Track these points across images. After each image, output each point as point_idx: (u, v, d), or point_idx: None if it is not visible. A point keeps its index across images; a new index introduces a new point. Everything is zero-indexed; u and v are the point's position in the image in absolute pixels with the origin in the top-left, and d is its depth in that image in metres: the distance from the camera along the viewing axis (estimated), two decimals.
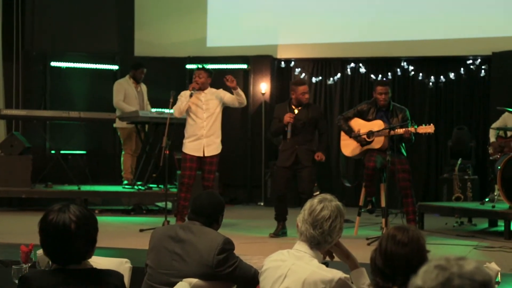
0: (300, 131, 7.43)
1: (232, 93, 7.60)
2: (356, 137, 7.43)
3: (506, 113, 8.44)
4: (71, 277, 2.58)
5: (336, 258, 3.29)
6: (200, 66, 7.74)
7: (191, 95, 7.48)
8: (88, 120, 9.77)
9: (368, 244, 6.68)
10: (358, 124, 7.47)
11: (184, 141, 7.64)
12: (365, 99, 9.44)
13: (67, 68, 11.06)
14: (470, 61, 10.44)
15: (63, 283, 2.56)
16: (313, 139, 7.57)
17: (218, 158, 7.69)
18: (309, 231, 3.03)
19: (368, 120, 7.44)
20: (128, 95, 9.82)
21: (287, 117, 7.39)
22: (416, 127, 7.11)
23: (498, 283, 3.36)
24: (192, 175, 7.53)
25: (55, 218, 2.57)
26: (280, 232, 7.41)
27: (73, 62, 11.10)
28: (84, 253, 2.63)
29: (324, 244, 3.07)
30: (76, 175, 9.64)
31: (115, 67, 11.32)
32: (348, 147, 7.60)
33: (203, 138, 7.54)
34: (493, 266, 3.35)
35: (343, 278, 2.93)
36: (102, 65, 11.30)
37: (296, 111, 7.47)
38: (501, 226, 7.93)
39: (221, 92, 7.63)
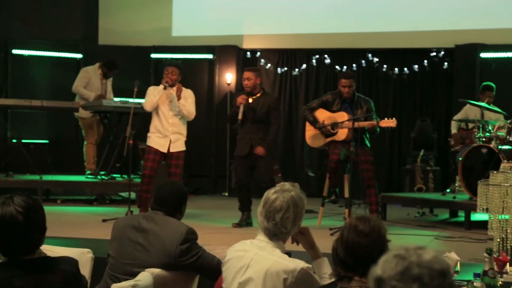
0: (254, 120, 7.41)
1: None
2: (321, 128, 7.47)
3: (468, 105, 8.55)
4: (25, 267, 2.55)
5: (300, 247, 3.30)
6: (173, 62, 7.66)
7: (165, 88, 7.40)
8: (50, 109, 9.64)
9: (331, 234, 6.72)
10: (323, 115, 7.50)
11: (149, 134, 7.57)
12: (329, 90, 9.48)
13: (30, 56, 10.90)
14: (434, 54, 10.54)
15: (17, 275, 2.53)
16: (268, 128, 7.54)
17: (184, 154, 7.65)
18: (264, 223, 3.04)
19: (333, 111, 7.47)
20: (92, 85, 9.71)
21: (239, 99, 7.39)
22: (378, 120, 7.16)
23: (457, 272, 3.40)
24: (154, 167, 7.47)
25: (0, 213, 2.52)
26: (243, 223, 7.41)
27: (36, 50, 10.94)
28: (37, 242, 2.60)
29: (281, 235, 3.07)
30: (38, 164, 9.52)
31: (79, 56, 11.19)
32: (313, 137, 7.63)
33: (169, 135, 7.49)
34: (453, 255, 3.39)
35: (305, 268, 2.94)
36: (65, 53, 11.17)
37: (250, 100, 7.45)
38: (461, 216, 8.04)
39: (187, 93, 7.54)
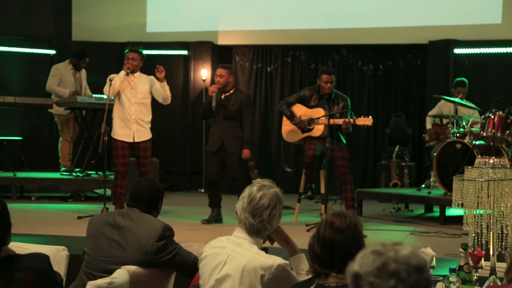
0: (225, 116, 7.38)
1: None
2: (298, 123, 7.47)
3: (442, 101, 8.61)
4: None
5: (276, 244, 3.30)
6: (132, 48, 7.56)
7: (127, 74, 7.32)
8: (24, 105, 9.55)
9: (308, 230, 6.74)
10: (300, 111, 7.51)
11: (113, 125, 7.47)
12: (305, 86, 9.49)
13: (2, 52, 10.78)
14: (408, 50, 10.60)
15: None
16: (240, 125, 7.47)
17: (150, 143, 7.58)
18: (249, 219, 3.02)
19: (310, 107, 7.48)
20: (65, 81, 9.62)
21: (211, 88, 7.38)
22: (355, 118, 7.17)
23: (433, 267, 3.42)
24: (125, 163, 7.41)
25: None
26: (213, 219, 7.38)
27: (8, 46, 10.81)
28: (1, 239, 2.55)
29: (264, 232, 3.07)
30: (12, 161, 9.42)
31: (52, 52, 11.09)
32: (289, 133, 7.64)
33: (133, 124, 7.41)
34: (429, 251, 3.41)
35: (283, 264, 2.94)
36: (38, 49, 11.06)
37: (222, 96, 7.44)
38: (436, 211, 8.10)
39: (152, 79, 7.49)
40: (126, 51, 7.52)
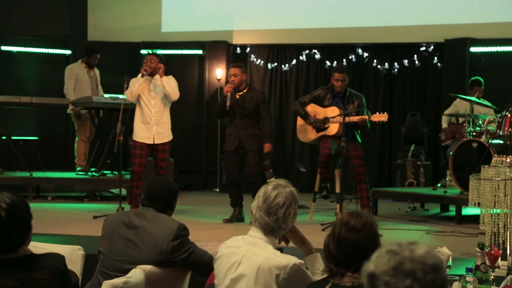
0: (242, 115, 7.39)
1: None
2: (312, 122, 7.46)
3: (458, 100, 8.57)
4: (9, 267, 2.53)
5: (291, 244, 3.30)
6: (151, 51, 7.63)
7: (143, 75, 7.36)
8: (40, 105, 9.61)
9: (323, 230, 6.73)
10: (314, 110, 7.50)
11: (134, 127, 7.54)
12: (320, 86, 9.48)
13: (18, 53, 10.85)
14: (423, 48, 10.56)
15: (1, 275, 2.51)
16: (257, 123, 7.49)
17: (170, 145, 7.61)
18: (264, 218, 3.02)
19: (324, 106, 7.47)
20: (80, 80, 9.68)
21: (226, 87, 7.39)
22: (370, 114, 7.17)
23: (449, 267, 3.40)
24: (142, 163, 7.45)
25: None
26: (234, 218, 7.39)
27: (25, 46, 10.89)
28: (19, 241, 2.58)
29: (279, 231, 3.07)
30: (28, 161, 9.47)
31: (68, 52, 11.15)
32: (304, 132, 7.63)
33: (153, 126, 7.44)
34: (445, 250, 3.39)
35: (298, 263, 2.94)
36: (54, 49, 11.12)
37: (237, 96, 7.44)
38: (452, 211, 8.06)
39: (168, 78, 7.50)
40: (146, 54, 7.57)
